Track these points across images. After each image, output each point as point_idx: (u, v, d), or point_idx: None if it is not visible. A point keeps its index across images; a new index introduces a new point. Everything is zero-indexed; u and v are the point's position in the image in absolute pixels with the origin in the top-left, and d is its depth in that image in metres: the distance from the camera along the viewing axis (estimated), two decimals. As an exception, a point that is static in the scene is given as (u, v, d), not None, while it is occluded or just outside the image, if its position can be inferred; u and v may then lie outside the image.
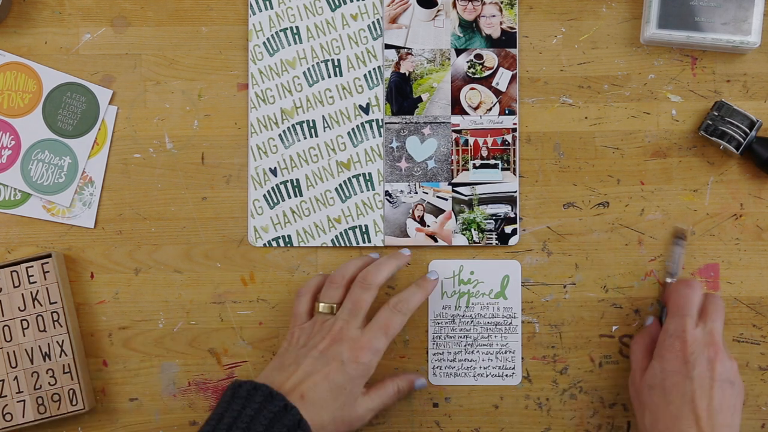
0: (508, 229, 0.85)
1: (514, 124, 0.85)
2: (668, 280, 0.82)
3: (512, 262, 0.85)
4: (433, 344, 0.85)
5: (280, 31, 0.86)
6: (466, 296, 0.85)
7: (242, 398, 0.72)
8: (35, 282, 0.83)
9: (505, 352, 0.84)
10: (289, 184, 0.85)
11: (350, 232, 0.85)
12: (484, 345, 0.85)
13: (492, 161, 0.85)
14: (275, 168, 0.85)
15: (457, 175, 0.85)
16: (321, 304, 0.80)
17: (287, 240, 0.85)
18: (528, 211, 0.85)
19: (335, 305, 0.79)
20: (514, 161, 0.85)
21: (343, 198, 0.85)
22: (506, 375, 0.84)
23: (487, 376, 0.85)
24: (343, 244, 0.85)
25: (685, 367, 0.74)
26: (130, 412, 0.85)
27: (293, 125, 0.86)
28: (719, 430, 0.72)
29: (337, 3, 0.86)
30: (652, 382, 0.75)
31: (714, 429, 0.72)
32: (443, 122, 0.85)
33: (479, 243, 0.85)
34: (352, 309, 0.78)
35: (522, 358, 0.84)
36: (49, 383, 0.82)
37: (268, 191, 0.85)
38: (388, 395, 0.81)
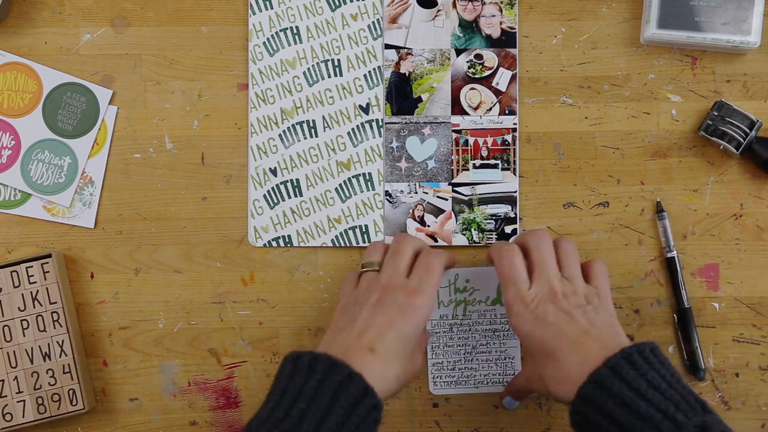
0: (508, 229, 0.85)
1: (514, 124, 0.85)
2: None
3: None
4: (432, 354, 0.84)
5: (280, 31, 0.86)
6: (462, 304, 0.84)
7: (304, 372, 0.68)
8: (35, 282, 0.83)
9: (505, 359, 0.84)
10: (289, 184, 0.85)
11: (350, 232, 0.85)
12: (483, 352, 0.84)
13: (492, 161, 0.85)
14: (275, 168, 0.85)
15: (457, 175, 0.85)
16: (366, 262, 0.78)
17: (287, 240, 0.85)
18: (528, 211, 0.85)
19: (379, 264, 0.77)
20: (514, 161, 0.85)
21: (343, 198, 0.85)
22: (507, 381, 0.84)
23: (487, 383, 0.84)
24: (343, 245, 0.85)
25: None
26: (130, 412, 0.85)
27: (293, 125, 0.86)
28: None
29: (337, 3, 0.86)
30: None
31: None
32: (443, 122, 0.85)
33: (479, 243, 0.85)
34: (397, 264, 0.76)
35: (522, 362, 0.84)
36: (49, 383, 0.82)
37: (268, 191, 0.85)
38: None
